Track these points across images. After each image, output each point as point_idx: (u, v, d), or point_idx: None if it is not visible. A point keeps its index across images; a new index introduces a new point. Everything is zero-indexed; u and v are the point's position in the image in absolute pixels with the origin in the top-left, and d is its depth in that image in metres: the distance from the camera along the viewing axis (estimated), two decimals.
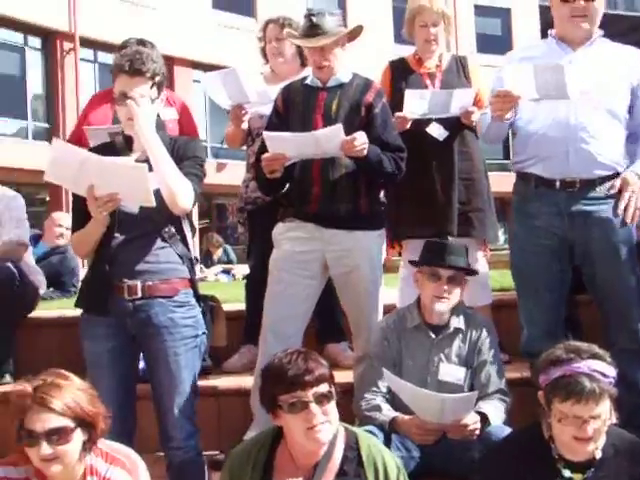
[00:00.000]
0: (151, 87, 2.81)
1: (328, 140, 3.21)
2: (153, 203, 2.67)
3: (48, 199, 17.02)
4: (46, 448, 2.24)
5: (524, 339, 3.42)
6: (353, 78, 3.50)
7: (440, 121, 3.85)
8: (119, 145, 2.86)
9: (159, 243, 2.80)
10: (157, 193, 2.71)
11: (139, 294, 2.76)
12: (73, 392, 2.32)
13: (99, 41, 17.38)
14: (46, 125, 19.44)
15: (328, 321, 4.13)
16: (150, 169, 2.71)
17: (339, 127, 3.20)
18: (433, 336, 3.20)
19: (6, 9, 17.90)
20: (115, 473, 2.35)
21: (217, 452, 3.47)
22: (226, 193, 17.65)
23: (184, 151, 2.85)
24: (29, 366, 3.59)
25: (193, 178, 2.82)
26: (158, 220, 2.77)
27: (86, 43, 18.92)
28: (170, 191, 2.72)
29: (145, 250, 2.78)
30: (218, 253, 11.60)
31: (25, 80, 19.56)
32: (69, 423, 2.27)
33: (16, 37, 19.46)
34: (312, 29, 3.37)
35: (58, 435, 2.25)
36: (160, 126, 3.64)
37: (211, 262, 11.35)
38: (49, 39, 19.67)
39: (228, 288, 6.74)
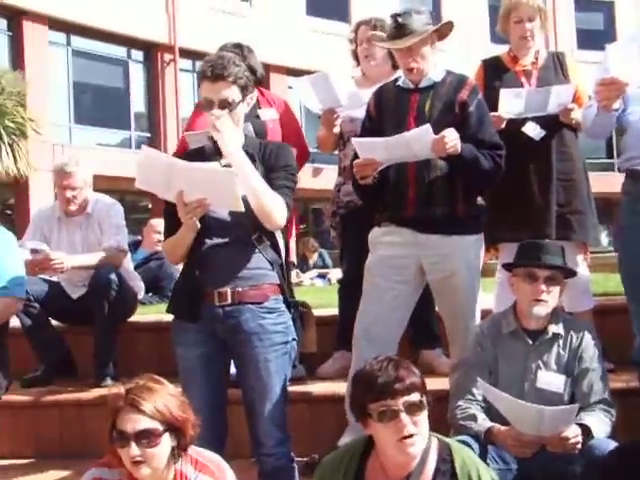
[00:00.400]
0: (240, 92, 2.78)
1: (418, 142, 3.15)
2: (242, 208, 2.66)
3: (150, 206, 17.55)
4: (135, 449, 2.26)
5: (637, 347, 3.24)
6: (446, 76, 3.42)
7: (537, 120, 3.72)
8: (209, 150, 2.88)
9: (249, 249, 2.79)
10: (247, 199, 2.71)
11: (229, 300, 2.76)
12: (164, 396, 2.34)
13: (197, 51, 17.79)
14: (148, 135, 20.06)
15: (423, 327, 4.05)
16: None
17: (427, 127, 3.13)
18: (530, 342, 3.07)
19: (111, 25, 18.62)
20: None
21: (308, 458, 3.44)
22: (322, 198, 17.73)
23: (275, 160, 2.83)
24: (129, 370, 3.70)
25: (285, 191, 2.80)
26: (248, 226, 2.76)
27: (185, 54, 19.46)
28: (263, 210, 2.71)
29: (235, 256, 2.77)
30: (314, 258, 11.66)
31: (129, 92, 20.26)
32: (158, 426, 2.29)
33: (120, 51, 20.20)
34: (398, 30, 3.31)
35: (147, 437, 2.27)
36: (259, 130, 3.68)
37: (307, 267, 11.41)
38: (151, 51, 20.31)
39: (323, 293, 6.75)
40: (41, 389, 4.22)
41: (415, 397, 2.31)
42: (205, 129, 3.04)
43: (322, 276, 10.61)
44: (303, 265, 11.51)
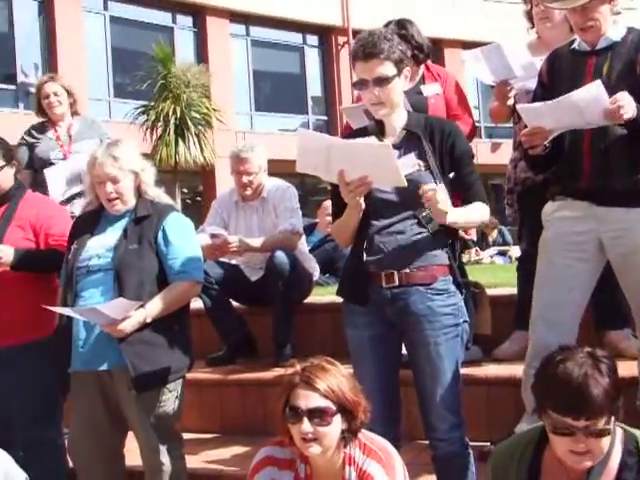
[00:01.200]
0: (394, 66, 2.71)
1: (587, 104, 2.86)
2: (404, 183, 2.59)
3: (330, 188, 17.88)
4: (307, 426, 2.29)
5: None
6: (627, 34, 3.09)
7: None
8: (371, 130, 2.83)
9: (416, 228, 2.73)
10: (411, 176, 2.65)
11: (396, 282, 2.70)
12: (337, 377, 2.36)
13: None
14: (325, 118, 20.40)
15: (608, 305, 3.79)
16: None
17: (597, 84, 2.83)
18: None
19: (287, 12, 19.07)
20: (371, 466, 2.34)
21: (486, 443, 3.34)
22: (501, 173, 17.24)
23: (451, 146, 2.75)
24: (307, 350, 3.76)
25: (480, 186, 2.78)
26: (416, 204, 2.69)
27: (356, 35, 19.55)
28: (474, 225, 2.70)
29: (402, 236, 2.72)
30: (493, 235, 11.35)
31: (305, 77, 20.68)
32: (331, 405, 2.31)
33: (296, 37, 20.64)
34: None
35: (319, 415, 2.30)
36: (420, 107, 3.59)
37: (486, 244, 11.14)
38: (325, 35, 20.59)
39: (500, 271, 6.54)
40: (224, 368, 4.40)
41: (600, 423, 2.06)
42: (361, 102, 3.00)
43: (502, 253, 10.29)
44: (482, 242, 11.24)
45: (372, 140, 2.68)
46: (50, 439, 3.43)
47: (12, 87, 16.80)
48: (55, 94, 4.83)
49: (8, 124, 5.90)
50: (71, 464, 3.29)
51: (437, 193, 2.56)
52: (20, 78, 16.89)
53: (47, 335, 3.22)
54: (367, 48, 2.70)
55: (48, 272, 3.30)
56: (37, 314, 3.05)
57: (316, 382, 2.31)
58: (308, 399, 2.31)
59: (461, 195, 2.82)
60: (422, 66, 4.06)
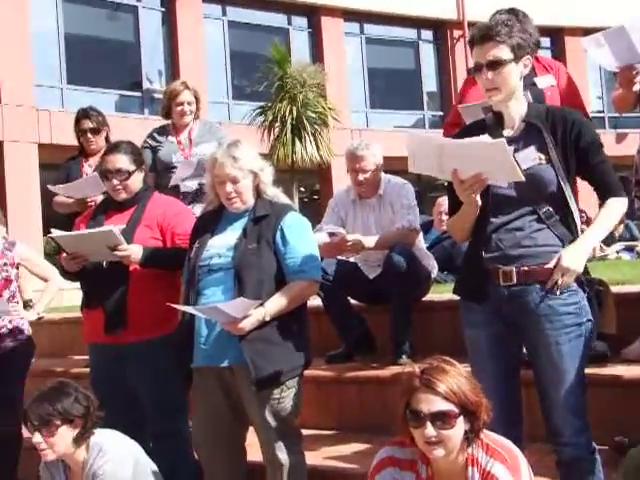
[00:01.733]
0: (511, 51, 2.64)
1: None
2: (521, 177, 2.52)
3: (446, 184, 17.65)
4: (430, 430, 2.27)
5: None
6: None
7: None
8: (489, 122, 2.77)
9: (536, 225, 2.64)
10: (531, 170, 2.57)
11: (514, 280, 2.63)
12: (457, 378, 2.33)
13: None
14: (440, 113, 20.16)
15: None
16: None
17: None
18: None
19: (401, 8, 18.98)
20: (496, 467, 2.29)
21: (618, 438, 3.19)
22: (628, 165, 16.51)
23: (577, 137, 2.64)
24: (425, 348, 3.73)
25: (612, 180, 2.66)
26: (535, 200, 2.62)
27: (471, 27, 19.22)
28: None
29: (520, 233, 2.64)
30: (619, 229, 10.87)
31: (420, 73, 20.52)
32: (453, 408, 2.28)
33: (410, 33, 20.51)
34: None
35: (442, 419, 2.28)
36: (538, 99, 3.49)
37: (612, 239, 10.68)
38: (440, 30, 20.35)
39: (627, 268, 6.26)
40: (343, 365, 4.42)
41: None
42: (479, 101, 2.94)
43: (629, 249, 9.85)
44: (608, 237, 10.80)
45: (484, 137, 2.61)
46: (178, 432, 3.56)
47: (138, 94, 17.53)
48: (189, 103, 4.99)
49: (134, 129, 6.16)
50: (196, 457, 3.40)
51: (563, 259, 2.53)
52: (145, 85, 17.61)
53: (173, 331, 3.34)
54: (482, 31, 2.65)
55: (174, 270, 3.43)
56: (165, 310, 3.17)
57: (437, 385, 2.29)
58: (430, 403, 2.29)
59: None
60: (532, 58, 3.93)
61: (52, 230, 3.60)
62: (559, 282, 2.54)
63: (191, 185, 4.84)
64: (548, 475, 2.99)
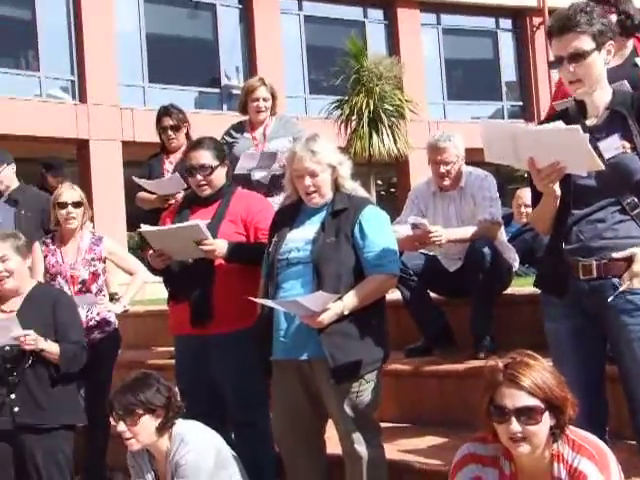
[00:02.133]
0: (592, 40, 2.54)
1: None
2: (600, 166, 2.43)
3: (526, 175, 17.31)
4: (515, 426, 2.23)
5: None
6: None
7: None
8: (572, 112, 2.68)
9: (619, 216, 2.55)
10: (615, 159, 2.48)
11: (594, 274, 2.55)
12: (542, 373, 2.28)
13: None
14: (520, 103, 19.77)
15: None
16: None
17: None
18: None
19: None
20: (584, 464, 2.24)
21: None
22: None
23: None
24: (507, 343, 3.67)
25: None
26: (619, 190, 2.53)
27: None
28: None
29: (602, 224, 2.56)
30: None
31: (498, 62, 20.16)
32: (539, 404, 2.24)
33: (488, 22, 20.17)
34: None
35: (527, 414, 2.23)
36: (635, 81, 3.36)
37: None
38: (519, 18, 19.93)
39: None
40: (422, 359, 4.39)
41: None
42: (569, 97, 2.85)
43: None
44: None
45: (558, 124, 2.51)
46: (259, 423, 3.60)
47: (216, 90, 17.81)
48: (264, 99, 5.04)
49: (213, 125, 6.27)
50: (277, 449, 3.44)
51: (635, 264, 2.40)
52: (224, 81, 17.87)
53: (254, 324, 3.38)
54: (561, 22, 2.56)
55: (257, 264, 3.48)
56: (247, 303, 3.21)
57: (521, 379, 2.25)
58: (514, 398, 2.25)
59: None
60: (632, 39, 3.78)
61: (141, 225, 3.70)
62: (632, 284, 2.44)
63: (261, 174, 4.88)
64: (637, 475, 2.90)
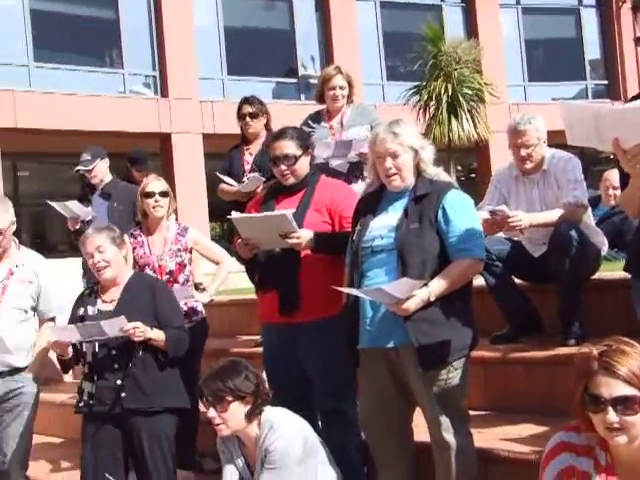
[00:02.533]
0: None
1: None
2: None
3: (612, 157, 16.79)
4: (612, 416, 2.17)
5: None
6: None
7: None
8: None
9: None
10: None
11: None
12: (639, 360, 2.21)
13: None
14: (605, 82, 19.16)
15: None
16: None
17: None
18: None
19: None
20: None
21: None
22: None
23: None
24: (596, 329, 3.57)
25: None
26: None
27: None
28: None
29: None
30: None
31: (582, 41, 19.58)
32: (637, 393, 2.17)
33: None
34: None
35: (625, 404, 2.17)
36: None
37: None
38: None
39: None
40: (508, 346, 4.32)
41: None
42: None
43: None
44: None
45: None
46: (345, 410, 3.61)
47: (294, 80, 17.91)
48: (341, 88, 5.05)
49: (291, 115, 6.32)
50: (363, 436, 3.45)
51: None
52: (301, 71, 17.95)
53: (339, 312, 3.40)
54: None
55: (343, 253, 3.47)
56: (334, 292, 3.22)
57: (617, 368, 2.18)
58: (611, 387, 2.18)
59: None
60: None
61: (232, 212, 3.76)
62: None
63: (337, 162, 4.88)
64: None
